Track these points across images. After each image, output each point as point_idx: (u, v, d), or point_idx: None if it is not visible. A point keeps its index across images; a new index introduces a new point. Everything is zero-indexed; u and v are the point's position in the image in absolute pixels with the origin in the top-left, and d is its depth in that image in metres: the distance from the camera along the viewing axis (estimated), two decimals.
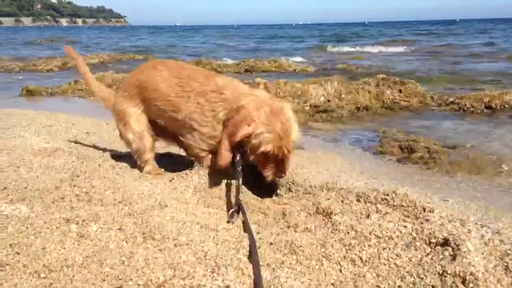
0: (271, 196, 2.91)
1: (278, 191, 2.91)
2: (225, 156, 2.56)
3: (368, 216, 2.23)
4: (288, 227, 2.41)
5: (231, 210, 2.42)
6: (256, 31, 71.01)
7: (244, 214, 2.34)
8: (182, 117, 2.82)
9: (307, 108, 6.95)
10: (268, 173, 2.62)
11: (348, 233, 2.09)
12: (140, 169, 3.16)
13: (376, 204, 2.44)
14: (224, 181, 2.87)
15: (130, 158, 3.36)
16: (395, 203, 2.40)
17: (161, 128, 3.10)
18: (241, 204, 2.44)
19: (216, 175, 2.89)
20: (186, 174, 2.91)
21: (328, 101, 6.97)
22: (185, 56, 19.28)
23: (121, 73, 10.30)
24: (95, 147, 4.13)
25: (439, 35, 36.47)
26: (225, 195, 2.73)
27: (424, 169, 3.96)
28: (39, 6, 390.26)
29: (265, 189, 2.88)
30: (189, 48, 27.27)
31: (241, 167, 2.60)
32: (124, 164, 3.31)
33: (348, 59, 15.78)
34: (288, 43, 31.58)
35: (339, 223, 2.18)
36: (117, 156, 3.59)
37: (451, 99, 7.09)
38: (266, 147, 2.48)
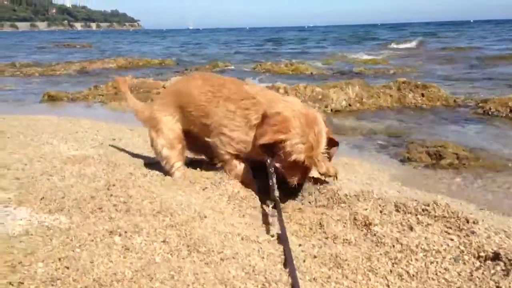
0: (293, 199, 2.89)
1: (313, 198, 2.88)
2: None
3: (411, 228, 2.19)
4: (327, 238, 2.39)
5: (269, 206, 2.50)
6: (267, 33, 71.02)
7: (279, 212, 2.37)
8: (211, 122, 2.87)
9: (328, 112, 6.91)
10: (293, 180, 2.66)
11: (393, 246, 2.05)
12: (170, 175, 3.17)
13: (416, 215, 2.39)
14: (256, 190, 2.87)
15: (158, 165, 3.37)
16: (436, 214, 2.36)
17: (192, 138, 3.15)
18: (277, 200, 2.48)
19: (249, 184, 2.89)
20: (219, 183, 2.91)
21: (350, 105, 6.92)
22: (199, 59, 19.34)
23: (140, 78, 10.36)
24: (123, 154, 4.14)
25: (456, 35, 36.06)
26: (260, 205, 2.72)
27: (455, 176, 3.90)
28: (54, 11, 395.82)
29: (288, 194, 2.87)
30: (204, 51, 27.35)
31: (273, 168, 2.61)
32: (155, 172, 3.31)
33: (365, 62, 15.66)
34: (301, 45, 31.49)
35: (383, 236, 2.14)
36: (146, 164, 3.60)
37: (475, 103, 7.00)
38: (299, 157, 2.53)
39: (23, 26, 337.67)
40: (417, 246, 2.01)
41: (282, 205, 2.81)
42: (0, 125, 5.13)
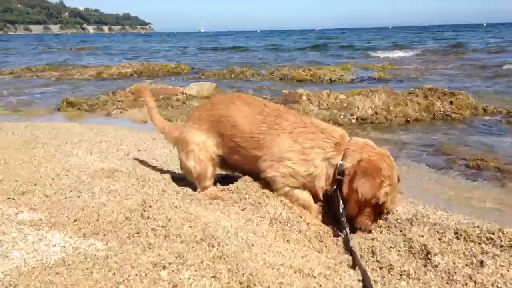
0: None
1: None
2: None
3: (482, 263, 1.99)
4: (381, 268, 2.21)
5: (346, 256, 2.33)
6: (279, 37, 70.88)
7: (360, 265, 2.14)
8: (266, 154, 2.75)
9: (353, 120, 6.72)
10: (367, 221, 2.60)
11: (466, 284, 1.86)
12: (200, 194, 3.05)
13: (480, 244, 2.20)
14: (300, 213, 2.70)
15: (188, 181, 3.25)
16: (502, 244, 2.16)
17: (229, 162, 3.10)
18: (354, 251, 2.27)
19: (291, 207, 2.73)
20: (259, 203, 2.74)
21: (376, 113, 6.72)
22: (215, 65, 19.24)
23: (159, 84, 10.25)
24: (150, 167, 4.01)
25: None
26: (306, 228, 2.55)
27: (500, 192, 3.69)
28: (67, 14, 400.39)
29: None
30: (218, 57, 27.27)
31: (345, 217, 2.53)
32: (188, 189, 3.17)
33: (383, 68, 15.40)
34: (317, 51, 31.25)
35: (455, 272, 1.95)
36: (176, 178, 3.45)
37: (505, 111, 6.76)
38: (386, 199, 2.52)
39: (36, 29, 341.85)
40: (493, 285, 1.82)
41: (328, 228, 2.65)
42: (24, 135, 5.03)
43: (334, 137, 2.66)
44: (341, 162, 2.55)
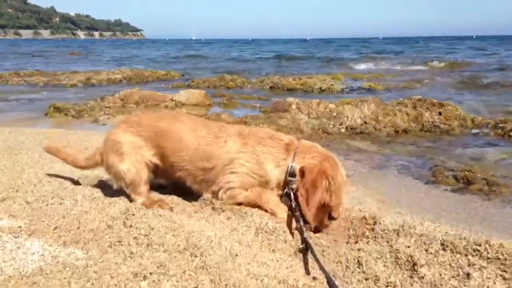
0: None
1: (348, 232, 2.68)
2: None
3: (468, 275, 1.97)
4: (366, 279, 2.18)
5: (300, 247, 2.40)
6: (271, 45, 71.21)
7: (313, 253, 2.22)
8: (217, 164, 2.77)
9: (342, 130, 6.72)
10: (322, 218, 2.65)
11: None
12: (132, 201, 2.92)
13: (466, 255, 2.18)
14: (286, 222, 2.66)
15: (174, 189, 3.18)
16: (489, 255, 2.14)
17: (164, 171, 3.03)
18: (309, 242, 2.32)
19: (277, 215, 2.69)
20: (244, 212, 2.70)
21: (365, 123, 6.73)
22: (205, 73, 19.21)
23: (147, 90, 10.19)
24: None
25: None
26: (291, 238, 2.51)
27: (488, 205, 3.69)
28: (57, 19, 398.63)
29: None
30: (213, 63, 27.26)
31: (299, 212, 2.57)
32: (173, 197, 3.11)
33: (372, 78, 15.51)
34: (307, 62, 31.44)
35: (441, 284, 1.92)
36: (161, 187, 3.39)
37: (494, 123, 6.81)
38: (331, 197, 2.59)
39: (26, 33, 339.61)
40: None
41: (317, 235, 2.62)
42: (8, 141, 4.93)
43: (282, 140, 2.77)
44: (291, 164, 2.64)
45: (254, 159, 2.72)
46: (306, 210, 2.52)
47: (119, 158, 2.90)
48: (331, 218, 2.67)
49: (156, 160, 2.95)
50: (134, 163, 2.88)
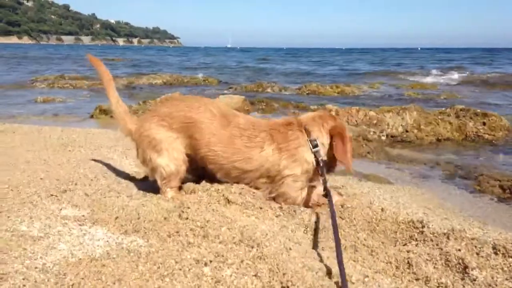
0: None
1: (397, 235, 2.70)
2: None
3: None
4: (417, 280, 2.21)
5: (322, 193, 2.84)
6: (307, 54, 71.11)
7: (330, 200, 2.59)
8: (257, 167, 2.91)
9: (383, 138, 6.70)
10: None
11: None
12: (163, 193, 3.03)
13: None
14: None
15: (219, 184, 3.26)
16: None
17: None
18: (329, 190, 2.70)
19: (327, 214, 2.74)
20: (294, 211, 2.78)
21: (407, 131, 6.68)
22: (242, 79, 19.41)
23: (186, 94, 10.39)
24: None
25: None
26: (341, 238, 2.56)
27: None
28: (98, 26, 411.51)
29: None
30: (245, 71, 27.54)
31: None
32: (221, 194, 3.21)
33: (412, 87, 15.30)
34: (339, 69, 31.25)
35: (495, 285, 1.93)
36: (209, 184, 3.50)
37: None
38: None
39: (68, 39, 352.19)
40: None
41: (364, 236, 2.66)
42: (61, 138, 5.19)
43: (292, 123, 2.97)
44: (310, 139, 2.89)
45: (296, 161, 2.86)
46: (347, 155, 2.85)
47: (157, 154, 2.99)
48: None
49: (188, 151, 3.03)
50: (172, 160, 2.98)
